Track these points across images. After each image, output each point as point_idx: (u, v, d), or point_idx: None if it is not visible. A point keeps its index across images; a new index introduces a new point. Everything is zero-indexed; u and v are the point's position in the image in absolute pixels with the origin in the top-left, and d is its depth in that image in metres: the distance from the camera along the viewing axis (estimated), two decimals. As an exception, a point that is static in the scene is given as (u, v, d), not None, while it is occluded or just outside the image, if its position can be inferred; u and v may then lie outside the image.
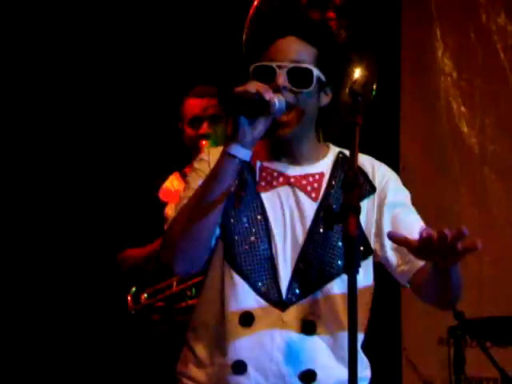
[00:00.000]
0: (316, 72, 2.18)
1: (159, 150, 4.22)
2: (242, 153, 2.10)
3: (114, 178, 4.35)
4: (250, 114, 2.08)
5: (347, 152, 2.23)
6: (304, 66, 2.17)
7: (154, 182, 3.57)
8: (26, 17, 4.34)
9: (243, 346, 2.13)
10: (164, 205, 3.49)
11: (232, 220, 2.15)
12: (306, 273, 2.15)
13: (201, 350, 2.20)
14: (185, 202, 2.16)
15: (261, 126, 2.11)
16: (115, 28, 4.41)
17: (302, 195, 2.21)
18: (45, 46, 4.37)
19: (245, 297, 2.14)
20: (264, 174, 2.22)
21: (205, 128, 3.44)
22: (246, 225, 2.17)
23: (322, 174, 2.23)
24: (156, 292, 3.39)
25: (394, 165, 4.44)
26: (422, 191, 4.52)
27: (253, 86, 2.08)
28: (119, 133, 4.44)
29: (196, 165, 2.27)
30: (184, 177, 3.54)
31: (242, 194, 2.16)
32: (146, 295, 3.41)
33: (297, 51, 2.19)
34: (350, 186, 1.88)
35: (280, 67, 2.16)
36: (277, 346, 2.12)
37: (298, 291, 2.15)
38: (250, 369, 2.13)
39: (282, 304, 2.15)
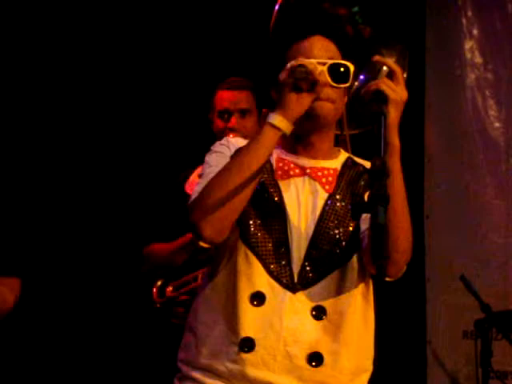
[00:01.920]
0: (352, 68, 2.22)
1: (187, 142, 4.22)
2: (285, 126, 2.13)
3: (141, 171, 4.35)
4: (298, 88, 2.12)
5: (355, 158, 2.34)
6: (343, 62, 2.22)
7: (181, 174, 3.57)
8: (36, 17, 4.34)
9: (252, 324, 2.14)
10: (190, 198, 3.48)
11: (250, 201, 2.17)
12: (317, 258, 2.18)
13: (205, 331, 2.20)
14: (211, 175, 2.16)
15: (305, 103, 2.14)
16: (142, 18, 4.42)
17: (316, 186, 2.25)
18: (66, 39, 4.37)
19: (258, 277, 2.16)
20: (281, 164, 2.26)
21: (234, 121, 3.44)
22: (264, 207, 2.20)
23: (335, 170, 2.29)
24: (181, 285, 3.39)
25: (418, 157, 4.47)
26: (447, 183, 4.51)
27: (307, 62, 2.14)
28: (147, 125, 4.45)
29: (215, 148, 2.30)
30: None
31: (259, 179, 2.18)
32: (171, 288, 3.41)
33: (330, 49, 2.25)
34: (379, 175, 1.89)
35: (321, 64, 2.20)
36: (286, 328, 2.14)
37: (309, 276, 2.17)
38: (258, 347, 2.14)
39: (293, 287, 2.17)
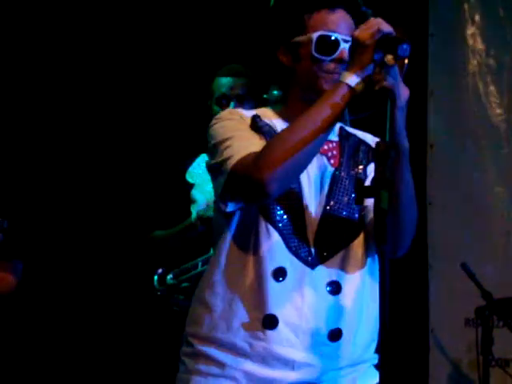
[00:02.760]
0: None
1: (187, 130, 4.20)
2: (360, 85, 2.05)
3: (143, 160, 4.35)
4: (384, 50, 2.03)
5: (347, 128, 2.30)
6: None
7: (181, 162, 3.57)
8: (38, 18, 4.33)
9: (275, 300, 2.13)
10: (191, 186, 3.48)
11: None
12: (330, 234, 2.18)
13: (224, 306, 2.18)
14: (243, 137, 2.13)
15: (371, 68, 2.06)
16: (142, 11, 4.40)
17: (324, 160, 2.23)
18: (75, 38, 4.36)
19: (279, 252, 2.15)
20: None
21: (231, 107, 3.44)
22: None
23: (336, 142, 2.27)
24: (182, 272, 3.39)
25: (421, 143, 4.45)
26: (450, 169, 4.49)
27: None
28: (148, 113, 4.44)
29: (226, 116, 2.23)
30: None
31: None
32: (171, 276, 3.40)
33: (351, 26, 2.21)
34: (383, 160, 1.88)
35: (345, 41, 2.17)
36: (307, 304, 2.14)
37: (324, 251, 2.17)
38: (281, 324, 2.13)
39: (311, 262, 2.16)
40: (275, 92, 3.29)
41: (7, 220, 2.20)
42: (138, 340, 4.29)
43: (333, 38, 2.17)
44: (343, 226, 2.19)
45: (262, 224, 2.16)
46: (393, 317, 2.21)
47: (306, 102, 2.16)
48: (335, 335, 2.16)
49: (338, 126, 2.27)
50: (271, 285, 2.13)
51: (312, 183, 2.20)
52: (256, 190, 2.06)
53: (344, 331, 2.17)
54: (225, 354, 2.16)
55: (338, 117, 2.08)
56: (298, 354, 2.14)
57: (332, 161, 2.23)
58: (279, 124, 2.21)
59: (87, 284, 4.35)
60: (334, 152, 2.24)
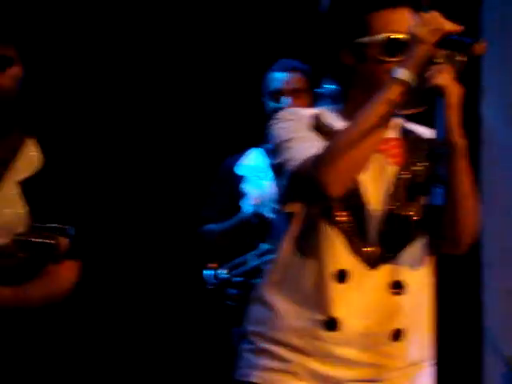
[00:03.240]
0: None
1: (238, 125, 4.21)
2: (414, 80, 2.04)
3: (195, 155, 4.36)
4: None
5: (408, 124, 2.25)
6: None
7: (232, 156, 3.58)
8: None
9: (336, 302, 2.13)
10: (242, 179, 3.48)
11: None
12: (392, 233, 2.15)
13: (286, 306, 2.17)
14: (307, 138, 2.13)
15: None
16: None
17: (384, 158, 2.19)
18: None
19: (340, 253, 2.14)
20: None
21: (286, 102, 3.42)
22: None
23: (397, 139, 2.22)
24: (233, 267, 3.40)
25: (474, 138, 4.41)
26: (504, 167, 4.44)
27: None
28: (201, 108, 4.44)
29: (286, 115, 2.22)
30: (262, 152, 3.54)
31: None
32: (223, 270, 3.41)
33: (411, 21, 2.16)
34: (437, 157, 1.86)
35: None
36: (369, 305, 2.13)
37: (386, 251, 2.15)
38: (342, 325, 2.13)
39: (373, 262, 2.15)
40: (329, 86, 3.27)
41: (74, 226, 2.22)
42: (190, 334, 4.31)
43: (401, 39, 2.12)
44: (404, 226, 2.16)
45: (323, 224, 2.15)
46: (446, 316, 2.19)
47: (366, 102, 2.12)
48: (397, 335, 2.15)
49: (398, 122, 2.24)
50: (333, 286, 2.13)
51: (372, 182, 2.17)
52: (318, 192, 2.06)
53: (405, 331, 2.16)
54: (288, 352, 2.16)
55: (393, 113, 2.06)
56: (360, 354, 2.14)
57: (392, 159, 2.20)
58: (338, 124, 2.19)
59: (141, 278, 4.38)
60: (395, 149, 2.21)
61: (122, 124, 4.40)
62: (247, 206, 3.43)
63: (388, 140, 2.19)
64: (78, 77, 4.27)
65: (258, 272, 3.32)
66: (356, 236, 2.14)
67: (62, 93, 4.22)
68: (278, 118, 2.21)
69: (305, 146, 2.11)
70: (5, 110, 2.37)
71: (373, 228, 2.15)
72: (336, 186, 2.04)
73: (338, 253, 2.13)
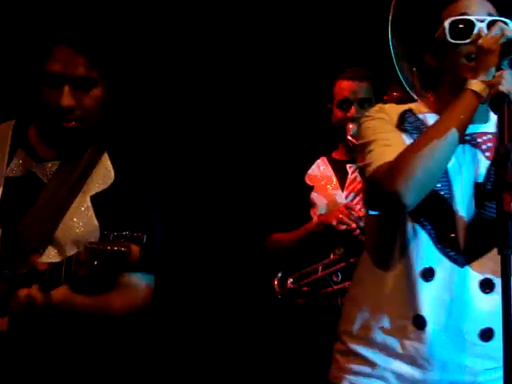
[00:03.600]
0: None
1: (307, 133, 4.20)
2: (485, 91, 2.06)
3: (262, 163, 4.37)
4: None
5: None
6: (501, 18, 2.14)
7: (301, 165, 3.57)
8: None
9: (424, 300, 2.12)
10: (310, 189, 3.48)
11: None
12: (482, 231, 2.13)
13: (373, 304, 2.19)
14: (386, 142, 2.14)
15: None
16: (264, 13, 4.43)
17: (477, 153, 2.18)
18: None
19: (427, 252, 2.14)
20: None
21: (353, 111, 3.44)
22: None
23: (493, 134, 2.20)
24: (302, 277, 3.39)
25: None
26: None
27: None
28: (267, 117, 4.45)
29: (374, 115, 2.23)
30: (330, 161, 3.54)
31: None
32: (291, 280, 3.41)
33: (488, 7, 2.18)
34: (503, 162, 1.84)
35: (480, 21, 2.14)
36: (456, 303, 2.11)
37: (475, 249, 2.13)
38: (430, 324, 2.12)
39: (461, 260, 2.13)
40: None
41: (146, 234, 2.24)
42: (259, 342, 4.31)
43: (464, 18, 2.14)
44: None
45: (409, 224, 2.15)
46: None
47: (455, 96, 2.13)
48: (487, 335, 2.13)
49: (494, 116, 2.18)
50: (420, 284, 2.13)
51: (463, 178, 2.15)
52: (391, 202, 2.07)
53: (497, 331, 2.11)
54: (375, 353, 2.17)
55: (466, 123, 2.07)
56: (448, 354, 2.13)
57: (487, 153, 2.18)
58: (432, 118, 2.19)
59: (210, 287, 4.40)
60: (490, 144, 2.19)
61: (188, 133, 4.44)
62: (316, 216, 3.42)
63: (482, 134, 2.19)
64: (145, 88, 4.32)
65: (326, 282, 3.32)
66: (443, 235, 2.13)
67: (130, 105, 4.28)
68: (367, 116, 2.23)
69: (385, 150, 2.12)
70: (86, 129, 2.41)
71: (461, 225, 2.14)
72: (410, 197, 2.04)
73: (424, 252, 2.13)
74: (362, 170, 2.17)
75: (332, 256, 3.33)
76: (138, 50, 4.15)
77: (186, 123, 4.44)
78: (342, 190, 3.45)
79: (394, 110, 2.22)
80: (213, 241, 4.41)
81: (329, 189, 3.47)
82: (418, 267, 2.13)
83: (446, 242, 2.13)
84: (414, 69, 2.33)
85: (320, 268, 3.32)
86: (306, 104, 4.27)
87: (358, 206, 3.33)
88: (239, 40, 4.43)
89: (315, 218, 3.39)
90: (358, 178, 3.43)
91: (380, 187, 2.06)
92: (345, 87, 3.47)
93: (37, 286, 2.25)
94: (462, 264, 2.13)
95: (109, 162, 2.49)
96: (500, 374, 2.07)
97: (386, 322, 2.16)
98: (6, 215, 2.40)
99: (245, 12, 4.42)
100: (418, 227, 2.14)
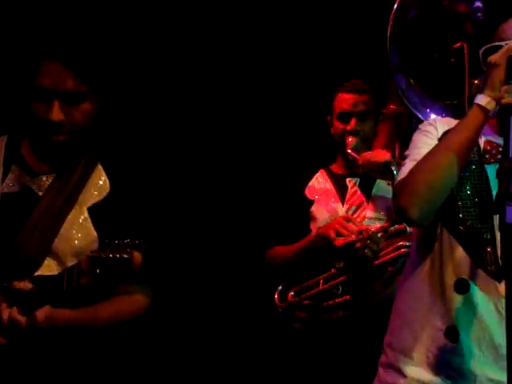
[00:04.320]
0: None
1: (306, 146, 4.21)
2: (493, 106, 2.11)
3: (261, 175, 4.37)
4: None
5: None
6: None
7: (300, 179, 3.57)
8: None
9: (457, 312, 2.15)
10: (310, 202, 3.48)
11: (456, 185, 2.17)
12: None
13: (410, 315, 2.23)
14: (416, 158, 2.18)
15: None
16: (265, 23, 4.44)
17: None
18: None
19: (462, 264, 2.16)
20: (488, 147, 2.23)
21: (353, 124, 3.44)
22: (469, 192, 2.18)
23: None
24: (303, 290, 3.38)
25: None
26: None
27: None
28: (267, 128, 4.46)
29: (423, 127, 2.30)
30: (330, 174, 3.54)
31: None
32: (292, 293, 3.40)
33: None
34: (506, 175, 1.85)
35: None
36: (491, 317, 2.13)
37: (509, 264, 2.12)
38: (463, 336, 2.14)
39: (498, 275, 2.14)
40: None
41: (147, 242, 2.26)
42: (259, 355, 4.30)
43: (499, 46, 2.17)
44: None
45: (446, 236, 2.18)
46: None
47: None
48: None
49: None
50: (454, 296, 2.15)
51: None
52: (400, 216, 2.15)
53: None
54: (409, 365, 2.20)
55: (472, 138, 2.11)
56: (480, 367, 2.14)
57: None
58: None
59: (211, 299, 4.40)
60: None
61: (188, 144, 4.44)
62: (316, 229, 3.41)
63: None
64: (137, 97, 4.33)
65: (327, 295, 3.31)
66: (480, 248, 2.15)
67: (122, 116, 4.29)
68: (420, 128, 2.30)
69: (409, 166, 2.18)
70: (77, 142, 2.43)
71: (499, 240, 2.14)
72: (412, 211, 2.10)
73: (459, 264, 2.16)
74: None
75: (333, 269, 3.33)
76: (128, 59, 4.17)
77: (187, 134, 4.45)
78: (343, 203, 3.44)
79: (447, 123, 2.25)
80: (213, 253, 4.40)
81: (328, 203, 3.46)
82: (453, 279, 2.16)
83: (482, 256, 2.15)
84: (412, 81, 2.36)
85: (321, 281, 3.32)
86: (305, 117, 4.28)
87: (358, 219, 3.33)
88: (237, 52, 4.44)
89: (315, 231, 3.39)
90: (358, 193, 3.43)
91: (393, 201, 2.16)
92: (345, 100, 3.47)
93: (18, 308, 2.28)
94: (499, 279, 2.14)
95: (103, 173, 2.51)
96: None
97: (419, 332, 2.19)
98: (3, 230, 2.42)
99: (242, 23, 4.42)
100: (453, 240, 2.17)
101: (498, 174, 1.87)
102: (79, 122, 2.41)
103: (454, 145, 2.10)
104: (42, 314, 2.31)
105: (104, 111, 2.50)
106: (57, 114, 2.36)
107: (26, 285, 2.32)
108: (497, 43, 2.18)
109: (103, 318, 2.45)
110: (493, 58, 2.10)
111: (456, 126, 2.14)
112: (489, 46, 2.20)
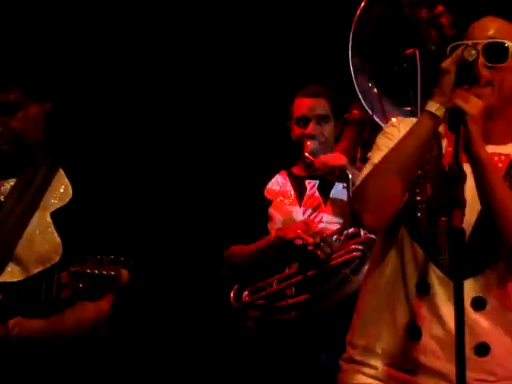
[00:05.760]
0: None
1: (269, 148, 4.23)
2: (442, 112, 2.12)
3: (222, 177, 4.38)
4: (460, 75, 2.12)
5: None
6: (498, 41, 2.19)
7: (261, 179, 3.59)
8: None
9: (419, 312, 2.18)
10: (269, 202, 3.50)
11: (417, 188, 2.19)
12: (480, 249, 2.17)
13: (371, 314, 2.26)
14: (375, 161, 2.20)
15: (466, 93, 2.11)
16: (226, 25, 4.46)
17: None
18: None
19: (423, 266, 2.19)
20: (450, 149, 2.22)
21: (311, 128, 3.46)
22: (429, 194, 2.20)
23: (508, 156, 2.24)
24: (257, 290, 3.41)
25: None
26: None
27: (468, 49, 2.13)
28: (228, 130, 4.47)
29: (386, 129, 2.32)
30: (290, 175, 3.56)
31: (426, 168, 2.19)
32: (247, 292, 3.42)
33: (494, 28, 2.21)
34: (455, 180, 1.89)
35: (475, 44, 2.18)
36: (452, 318, 2.10)
37: (471, 266, 2.16)
38: (425, 336, 2.18)
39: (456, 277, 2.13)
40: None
41: (110, 250, 2.25)
42: (211, 354, 4.31)
43: (463, 44, 2.19)
44: (495, 241, 2.15)
45: (407, 238, 2.21)
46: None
47: None
48: (482, 350, 2.16)
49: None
50: (415, 297, 2.18)
51: (467, 195, 2.10)
52: (356, 220, 2.17)
53: (492, 347, 2.17)
54: (372, 359, 2.23)
55: (424, 144, 2.13)
56: (445, 366, 2.16)
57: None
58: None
59: (164, 297, 4.40)
60: (499, 165, 2.21)
61: (149, 144, 4.44)
62: (273, 230, 3.44)
63: (494, 154, 2.21)
64: (96, 100, 4.33)
65: (281, 295, 3.34)
66: (439, 250, 2.17)
67: (82, 120, 4.29)
68: (382, 130, 2.31)
69: (366, 171, 2.19)
70: (23, 148, 2.45)
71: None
72: (369, 218, 2.12)
73: (420, 266, 2.18)
74: None
75: (287, 270, 3.36)
76: (70, 59, 4.16)
77: (147, 134, 4.45)
78: (300, 205, 3.47)
79: (411, 124, 2.23)
80: (172, 252, 4.41)
81: (286, 204, 3.49)
82: (414, 280, 2.19)
83: (443, 258, 2.17)
84: (370, 84, 2.38)
85: (275, 282, 3.35)
86: (267, 118, 4.30)
87: (315, 222, 3.37)
88: (202, 55, 4.46)
89: (273, 232, 3.41)
90: (316, 195, 3.47)
91: (349, 206, 2.25)
92: (302, 104, 3.49)
93: None
94: (457, 280, 2.12)
95: (65, 179, 2.51)
96: None
97: (383, 331, 2.22)
98: None
99: (202, 28, 4.45)
100: (414, 242, 2.20)
101: (447, 178, 1.90)
102: (19, 130, 2.42)
103: (404, 151, 2.12)
104: (13, 322, 2.29)
105: (56, 114, 2.50)
106: None
107: None
108: (459, 42, 2.19)
109: (69, 326, 2.43)
110: (443, 64, 2.11)
111: (408, 131, 2.16)
112: (454, 44, 2.20)
